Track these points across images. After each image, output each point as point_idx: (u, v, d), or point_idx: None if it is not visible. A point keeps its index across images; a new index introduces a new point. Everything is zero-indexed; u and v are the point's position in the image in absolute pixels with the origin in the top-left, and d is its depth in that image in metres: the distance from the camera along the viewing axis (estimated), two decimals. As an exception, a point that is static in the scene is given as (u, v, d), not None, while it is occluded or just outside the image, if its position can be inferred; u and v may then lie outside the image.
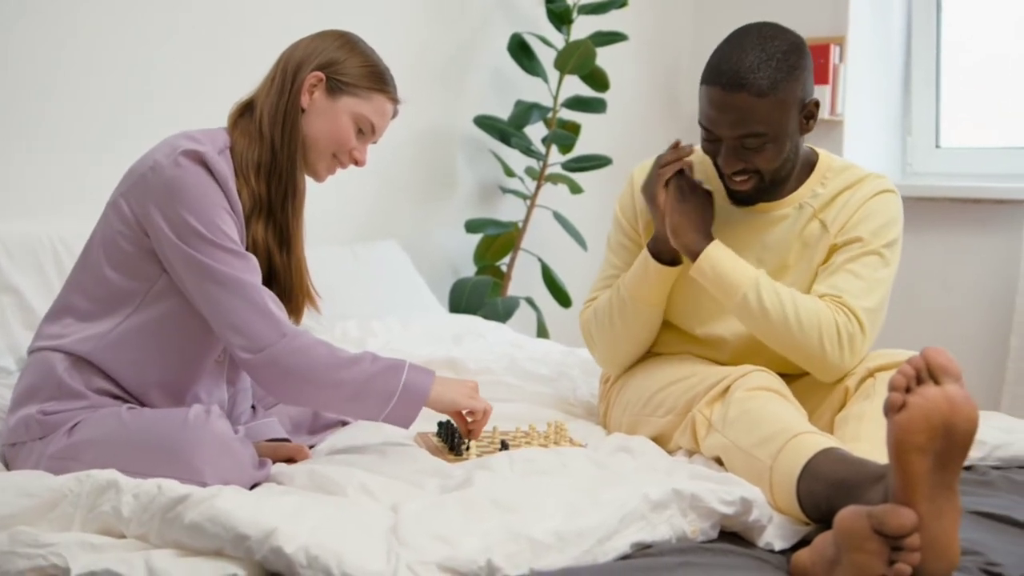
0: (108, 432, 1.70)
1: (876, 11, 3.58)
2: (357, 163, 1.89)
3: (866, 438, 1.70)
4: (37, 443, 1.73)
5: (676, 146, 1.96)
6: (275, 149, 1.82)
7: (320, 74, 1.83)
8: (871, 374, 1.85)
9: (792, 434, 1.62)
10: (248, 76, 1.91)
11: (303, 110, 1.83)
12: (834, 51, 3.56)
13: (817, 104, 1.91)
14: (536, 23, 3.57)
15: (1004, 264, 3.28)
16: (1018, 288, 3.15)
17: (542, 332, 3.45)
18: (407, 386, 1.76)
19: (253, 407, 2.03)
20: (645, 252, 1.99)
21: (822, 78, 3.55)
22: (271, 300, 1.75)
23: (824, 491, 1.51)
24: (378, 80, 1.86)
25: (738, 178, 1.92)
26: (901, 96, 3.64)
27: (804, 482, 1.55)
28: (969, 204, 3.37)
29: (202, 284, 1.72)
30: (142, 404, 1.80)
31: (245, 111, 1.87)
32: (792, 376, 2.00)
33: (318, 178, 1.90)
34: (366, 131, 1.87)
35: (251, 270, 1.75)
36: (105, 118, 2.77)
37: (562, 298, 3.48)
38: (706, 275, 1.91)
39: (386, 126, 1.90)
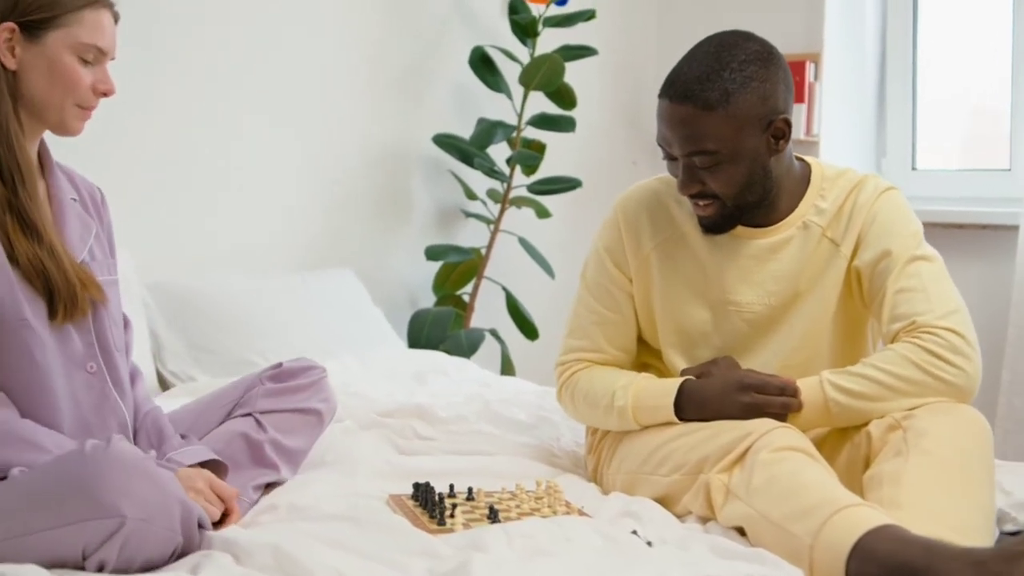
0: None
1: (850, 27, 3.42)
2: (107, 94, 1.63)
3: (908, 505, 1.50)
4: None
5: None
6: None
7: (10, 24, 1.56)
8: (898, 424, 1.65)
9: (836, 508, 1.41)
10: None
11: (13, 72, 1.57)
12: (809, 68, 3.40)
13: (788, 123, 1.73)
14: (500, 36, 3.40)
15: (993, 293, 3.12)
16: (1010, 319, 2.99)
17: (507, 367, 3.24)
18: None
19: (183, 436, 1.77)
20: (669, 404, 1.77)
21: (797, 96, 3.39)
22: None
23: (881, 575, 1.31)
24: None
25: (700, 202, 1.77)
26: (876, 115, 3.49)
27: (854, 563, 1.35)
28: (952, 229, 3.21)
29: None
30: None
31: None
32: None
33: (73, 131, 1.64)
34: (93, 58, 1.61)
35: None
36: None
37: (528, 330, 3.27)
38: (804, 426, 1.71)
39: (114, 40, 1.64)
